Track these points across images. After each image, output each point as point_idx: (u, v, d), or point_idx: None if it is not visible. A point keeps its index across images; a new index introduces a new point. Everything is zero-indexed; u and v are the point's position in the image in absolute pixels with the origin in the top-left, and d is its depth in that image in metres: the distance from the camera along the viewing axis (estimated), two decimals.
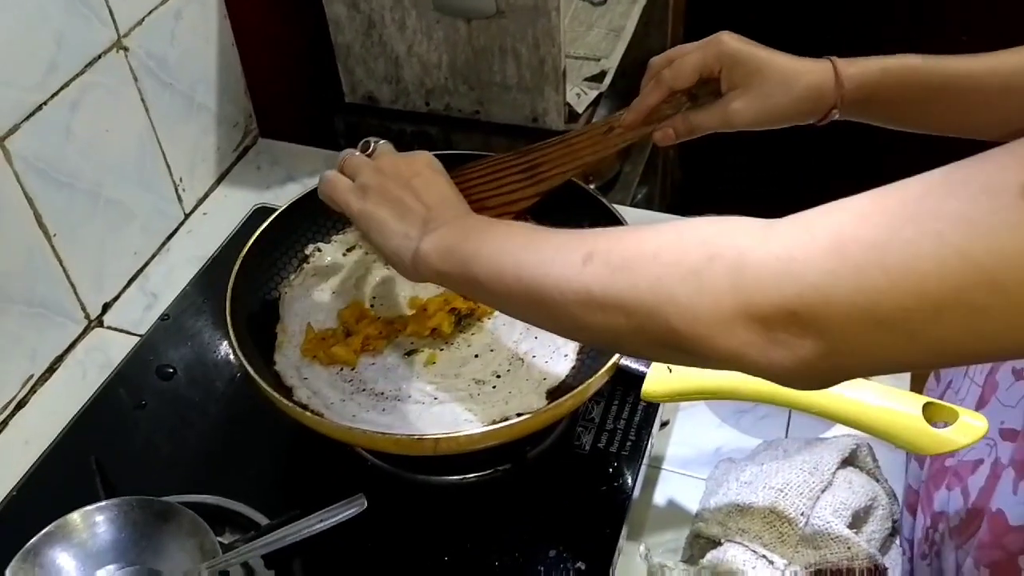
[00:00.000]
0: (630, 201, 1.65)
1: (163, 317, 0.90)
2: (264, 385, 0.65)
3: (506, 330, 0.77)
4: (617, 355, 0.66)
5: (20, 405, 0.87)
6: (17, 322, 0.84)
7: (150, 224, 1.01)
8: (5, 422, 0.86)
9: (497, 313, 0.78)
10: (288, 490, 0.74)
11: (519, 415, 0.67)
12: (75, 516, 0.61)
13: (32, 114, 0.82)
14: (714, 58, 0.70)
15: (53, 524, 0.61)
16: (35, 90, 0.82)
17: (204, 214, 1.07)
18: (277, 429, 0.74)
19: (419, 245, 0.60)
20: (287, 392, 0.71)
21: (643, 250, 0.48)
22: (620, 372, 0.67)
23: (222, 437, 0.79)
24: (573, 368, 0.73)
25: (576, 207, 0.79)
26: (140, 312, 0.96)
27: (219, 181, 1.11)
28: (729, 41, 0.71)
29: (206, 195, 1.09)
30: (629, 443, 0.74)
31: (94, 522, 0.62)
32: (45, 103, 0.83)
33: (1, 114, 0.78)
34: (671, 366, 0.67)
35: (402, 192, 0.64)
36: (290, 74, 1.24)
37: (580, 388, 0.64)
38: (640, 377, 0.68)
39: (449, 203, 0.64)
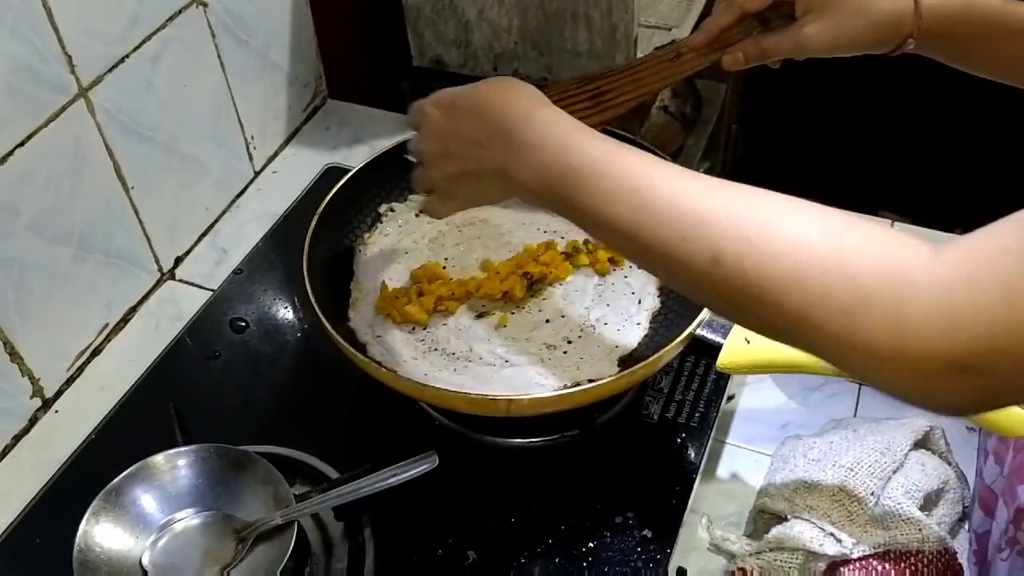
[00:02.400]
0: None
1: (236, 271, 0.92)
2: (340, 340, 0.66)
3: (578, 296, 0.77)
4: (692, 327, 0.66)
5: (95, 352, 0.89)
6: (95, 271, 0.86)
7: (222, 180, 1.02)
8: (82, 368, 0.88)
9: (569, 279, 0.78)
10: (356, 445, 0.75)
11: (591, 381, 0.67)
12: (158, 458, 0.63)
13: (115, 66, 0.83)
14: None
15: (136, 465, 0.62)
16: (118, 42, 0.83)
17: (273, 172, 1.08)
18: (346, 384, 0.75)
19: (511, 187, 0.56)
20: (361, 348, 0.72)
21: (782, 270, 0.44)
22: (694, 342, 0.67)
23: (292, 390, 0.80)
24: (645, 337, 0.73)
25: None
26: (210, 267, 0.97)
27: (288, 140, 1.12)
28: None
29: (275, 154, 1.10)
30: (698, 415, 0.74)
31: (175, 466, 0.63)
32: (127, 56, 0.84)
33: (86, 65, 0.80)
34: (749, 336, 0.66)
35: (466, 163, 0.59)
36: (359, 36, 1.23)
37: (653, 357, 0.64)
38: (716, 348, 0.67)
39: (508, 133, 0.56)
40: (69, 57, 0.78)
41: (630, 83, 0.74)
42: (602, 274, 0.79)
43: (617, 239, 0.51)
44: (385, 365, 0.69)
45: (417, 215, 0.84)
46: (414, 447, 0.66)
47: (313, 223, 0.74)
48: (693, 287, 0.49)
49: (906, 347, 0.41)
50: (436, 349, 0.73)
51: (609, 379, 0.64)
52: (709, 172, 1.81)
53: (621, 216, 0.50)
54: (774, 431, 0.79)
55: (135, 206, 0.89)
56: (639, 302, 0.76)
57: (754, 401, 0.82)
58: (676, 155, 1.64)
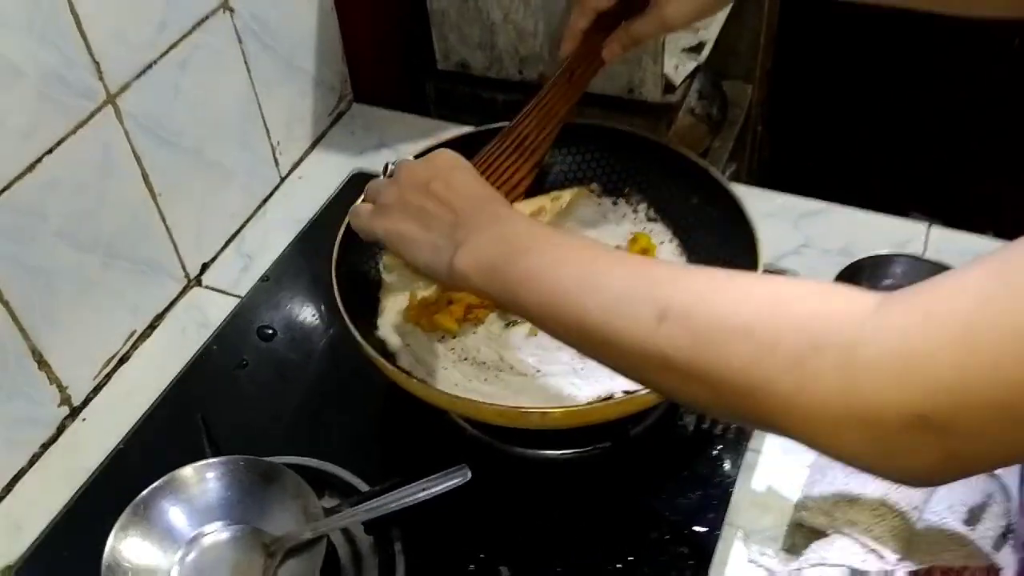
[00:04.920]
0: None
1: (263, 278, 0.91)
2: (370, 349, 0.65)
3: None
4: None
5: (123, 360, 0.88)
6: (122, 278, 0.86)
7: (248, 186, 1.01)
8: (109, 375, 0.87)
9: None
10: (386, 456, 0.74)
11: (625, 392, 0.65)
12: (187, 471, 0.62)
13: (143, 72, 0.82)
14: None
15: (164, 478, 0.62)
16: (146, 48, 0.82)
17: (299, 178, 1.07)
18: (376, 393, 0.74)
19: (453, 258, 0.55)
20: (391, 358, 0.71)
21: (731, 321, 0.42)
22: None
23: (321, 399, 0.79)
24: None
25: (684, 180, 0.77)
26: (236, 273, 0.96)
27: (314, 145, 1.11)
28: None
29: (301, 159, 1.09)
30: (734, 425, 0.72)
31: (203, 478, 0.62)
32: (155, 62, 0.83)
33: (114, 71, 0.79)
34: None
35: (423, 199, 0.59)
36: (385, 39, 1.22)
37: None
38: None
39: (477, 202, 0.58)
40: (97, 64, 0.77)
41: (542, 118, 0.77)
42: None
43: (555, 308, 0.49)
44: (415, 375, 0.68)
45: None
46: (444, 459, 0.65)
47: (341, 231, 0.73)
48: (634, 353, 0.46)
49: (860, 399, 0.38)
50: (467, 358, 0.72)
51: (645, 391, 0.63)
52: (735, 175, 1.81)
53: (566, 279, 0.49)
54: None
55: (162, 213, 0.89)
56: None
57: None
58: (703, 157, 1.63)
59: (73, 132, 0.77)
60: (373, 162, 1.07)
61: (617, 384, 0.69)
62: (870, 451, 0.39)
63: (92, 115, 0.78)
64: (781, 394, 0.40)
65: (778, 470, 0.76)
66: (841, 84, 1.97)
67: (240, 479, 0.63)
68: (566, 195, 0.81)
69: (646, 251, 0.78)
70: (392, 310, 0.76)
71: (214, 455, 0.66)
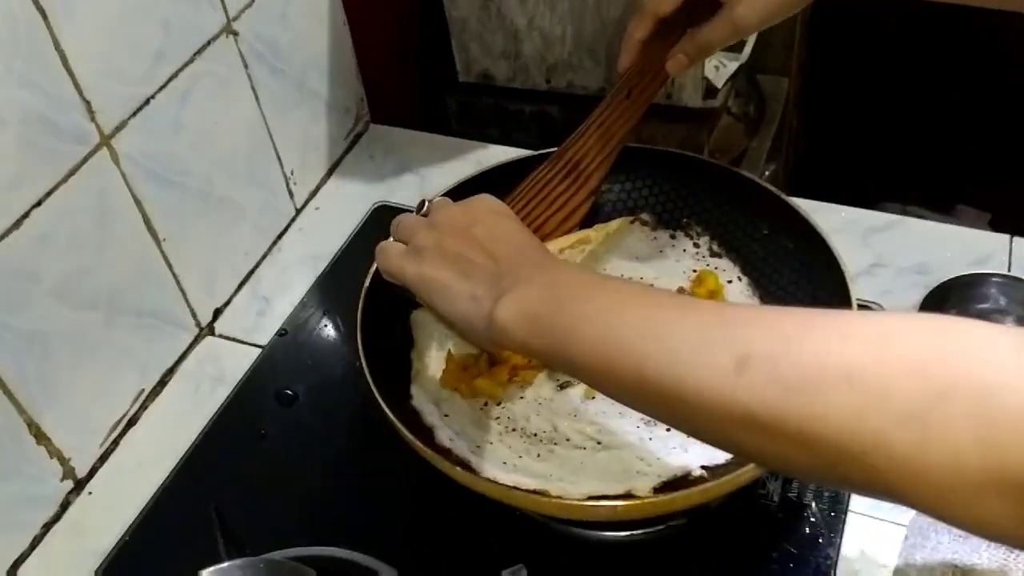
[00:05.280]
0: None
1: (280, 332, 0.83)
2: (405, 431, 0.56)
3: None
4: None
5: (131, 423, 0.81)
6: (126, 335, 0.78)
7: (260, 221, 0.94)
8: (116, 441, 0.80)
9: None
10: (427, 545, 0.65)
11: (704, 468, 0.56)
12: None
13: (140, 108, 0.75)
14: None
15: None
16: (143, 82, 0.75)
17: (316, 209, 1.00)
18: (413, 470, 0.64)
19: (493, 309, 0.48)
20: (427, 434, 0.62)
21: (828, 365, 0.35)
22: None
23: (350, 478, 0.70)
24: None
25: (750, 207, 0.68)
26: (252, 318, 0.89)
27: (330, 173, 1.04)
28: None
29: (317, 188, 1.02)
30: (826, 493, 0.63)
31: None
32: (154, 96, 0.76)
33: (108, 110, 0.72)
34: None
35: (462, 245, 0.53)
36: (402, 53, 1.15)
37: None
38: None
39: (522, 251, 0.52)
40: (88, 103, 0.70)
41: (598, 139, 0.70)
42: None
43: (612, 360, 0.42)
44: (457, 454, 0.60)
45: None
46: (494, 545, 0.56)
47: (365, 288, 0.65)
48: (709, 409, 0.38)
49: (1002, 457, 0.31)
50: (514, 429, 0.63)
51: (737, 472, 0.53)
52: (773, 177, 1.70)
53: (622, 326, 0.41)
54: None
55: (168, 259, 0.81)
56: None
57: None
58: (739, 160, 1.53)
59: (64, 180, 0.69)
60: (394, 190, 0.99)
61: (694, 455, 0.60)
62: (1016, 522, 0.32)
63: (85, 160, 0.71)
64: (897, 453, 0.33)
65: (869, 530, 0.67)
66: (881, 74, 1.86)
67: None
68: (613, 224, 0.72)
69: (714, 293, 0.68)
70: (427, 373, 0.67)
71: (229, 554, 0.58)
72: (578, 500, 0.54)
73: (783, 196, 0.68)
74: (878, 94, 1.86)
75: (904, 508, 0.65)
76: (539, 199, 0.68)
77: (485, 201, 0.57)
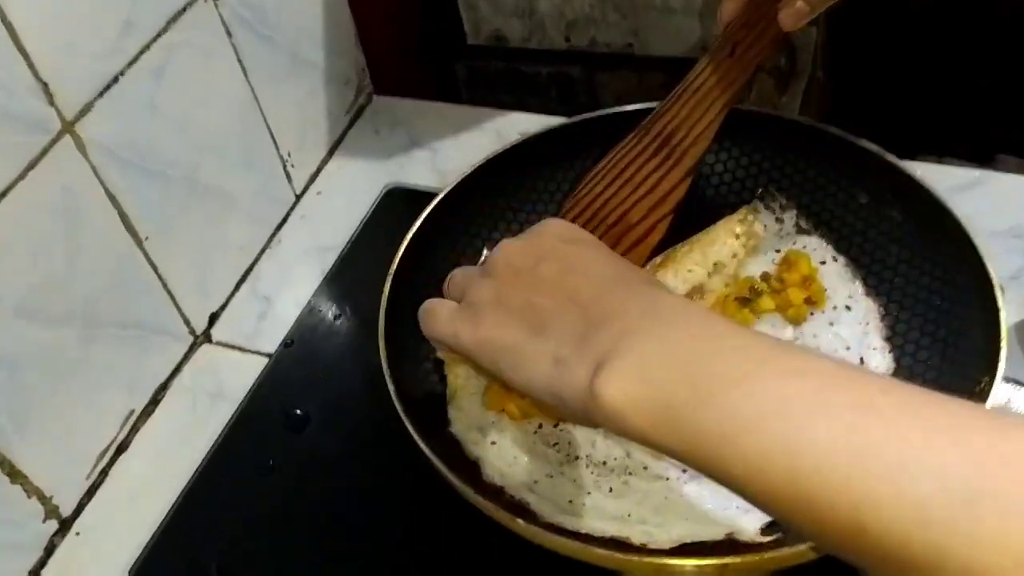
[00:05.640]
0: None
1: (286, 343, 0.72)
2: (448, 473, 0.45)
3: None
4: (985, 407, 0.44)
5: (120, 449, 0.72)
6: (110, 350, 0.68)
7: (256, 211, 0.83)
8: (105, 472, 0.71)
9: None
10: None
11: None
12: None
13: (107, 88, 0.64)
14: None
15: None
16: (108, 57, 0.64)
17: (318, 194, 0.89)
18: (454, 506, 0.53)
19: (593, 382, 0.36)
20: (472, 470, 0.51)
21: None
22: None
23: (377, 518, 0.59)
24: None
25: (843, 171, 0.56)
26: (253, 322, 0.78)
27: (332, 152, 0.93)
28: None
29: (318, 170, 0.91)
30: None
31: None
32: (122, 73, 0.65)
33: (69, 91, 0.61)
34: None
35: (530, 292, 0.41)
36: (405, 16, 1.05)
37: None
38: None
39: (612, 287, 0.40)
40: (45, 84, 0.59)
41: (698, 106, 0.57)
42: (796, 323, 0.57)
43: (812, 498, 0.30)
44: (509, 493, 0.49)
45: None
46: None
47: (387, 291, 0.54)
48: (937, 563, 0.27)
49: None
50: (578, 457, 0.52)
51: None
52: None
53: (825, 444, 0.29)
54: None
55: (152, 261, 0.71)
56: (860, 362, 0.54)
57: None
58: None
59: (21, 177, 0.59)
60: (405, 168, 0.88)
61: None
62: None
63: (45, 151, 0.60)
64: None
65: None
66: (904, 22, 1.74)
67: None
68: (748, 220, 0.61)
69: (808, 279, 0.57)
70: (464, 392, 0.56)
71: None
72: (668, 554, 0.43)
73: (887, 156, 0.57)
74: (914, 37, 1.74)
75: None
76: (620, 180, 0.57)
77: (550, 227, 0.45)
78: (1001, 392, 0.44)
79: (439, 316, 0.45)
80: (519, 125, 0.91)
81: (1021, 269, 0.64)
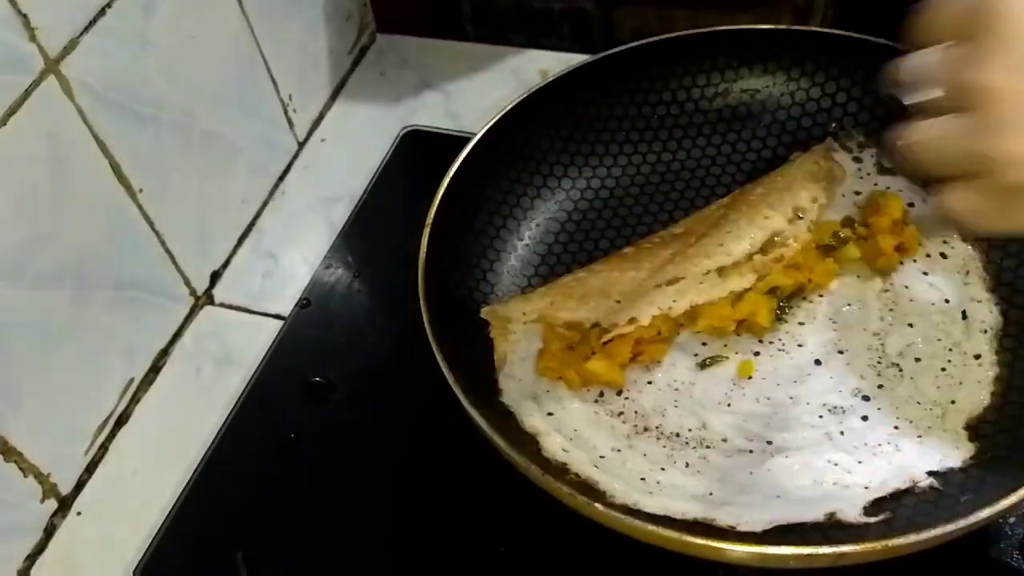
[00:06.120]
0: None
1: (302, 303, 0.66)
2: (508, 449, 0.40)
3: (858, 315, 0.50)
4: None
5: (121, 421, 0.66)
6: (103, 313, 0.63)
7: (257, 160, 0.77)
8: (104, 446, 0.65)
9: (834, 287, 0.51)
10: None
11: (932, 474, 0.40)
12: None
13: (93, 22, 0.58)
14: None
15: None
16: None
17: (321, 140, 0.82)
18: (505, 482, 0.47)
19: None
20: (532, 445, 0.45)
21: None
22: None
23: (416, 493, 0.53)
24: (998, 380, 0.46)
25: None
26: (259, 280, 0.73)
27: (336, 95, 0.87)
28: None
29: (321, 115, 0.85)
30: None
31: None
32: (109, 5, 0.59)
33: (52, 26, 0.54)
34: None
35: None
36: None
37: None
38: None
39: None
40: (25, 18, 0.53)
41: None
42: (886, 273, 0.52)
43: None
44: (574, 471, 0.43)
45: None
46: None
47: (425, 241, 0.47)
48: None
49: None
50: (647, 429, 0.47)
51: (1013, 498, 0.36)
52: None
53: None
54: None
55: (147, 214, 0.65)
56: (963, 316, 0.49)
57: None
58: (804, 13, 1.36)
59: (2, 123, 0.53)
60: (416, 112, 0.82)
61: (911, 455, 0.43)
62: None
63: (27, 93, 0.54)
64: None
65: None
66: None
67: None
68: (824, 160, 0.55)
69: (899, 223, 0.51)
70: (515, 356, 0.50)
71: None
72: (765, 540, 0.37)
73: None
74: None
75: None
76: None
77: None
78: None
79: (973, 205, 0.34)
80: (537, 63, 0.85)
81: None
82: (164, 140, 0.66)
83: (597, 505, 0.39)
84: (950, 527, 0.35)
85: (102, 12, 0.58)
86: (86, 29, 0.57)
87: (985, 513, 0.36)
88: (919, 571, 0.46)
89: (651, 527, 0.39)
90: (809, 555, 0.36)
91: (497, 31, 1.00)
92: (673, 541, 0.38)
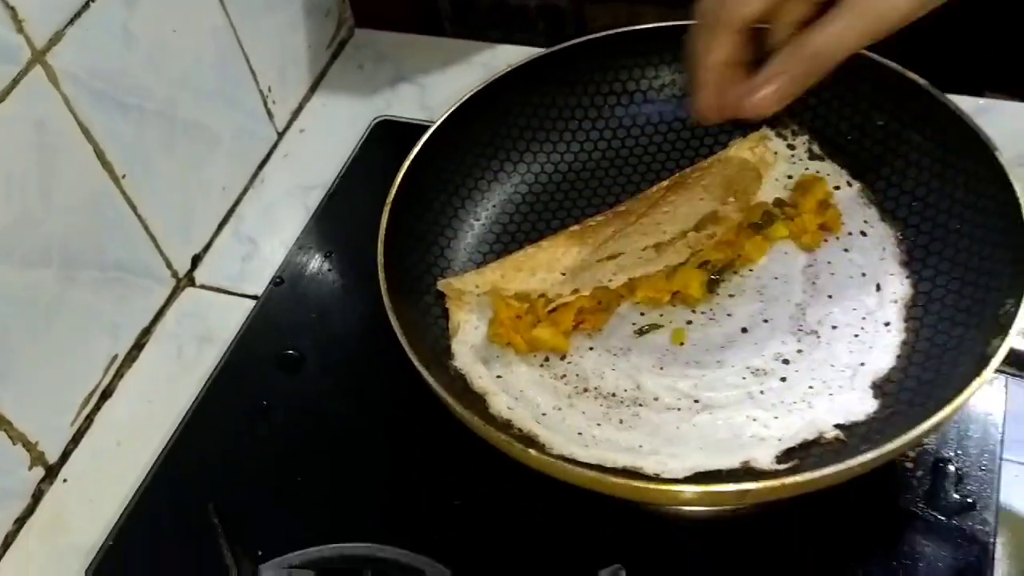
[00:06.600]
0: None
1: (276, 281, 0.69)
2: (455, 404, 0.44)
3: (782, 287, 0.54)
4: (1008, 336, 0.42)
5: (106, 395, 0.69)
6: (89, 293, 0.66)
7: (238, 150, 0.80)
8: (90, 418, 0.68)
9: (764, 263, 0.55)
10: (485, 537, 0.52)
11: (839, 427, 0.44)
12: None
13: (78, 14, 0.61)
14: None
15: None
16: None
17: (300, 131, 0.85)
18: (458, 441, 0.51)
19: None
20: (479, 403, 0.49)
21: None
22: (1016, 361, 0.43)
23: (379, 455, 0.57)
24: (904, 344, 0.50)
25: (859, 91, 0.55)
26: (238, 264, 0.76)
27: (314, 88, 0.89)
28: None
29: (300, 107, 0.88)
30: (972, 438, 0.51)
31: None
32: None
33: (39, 18, 0.57)
34: None
35: None
36: None
37: (959, 400, 0.41)
38: None
39: None
40: (13, 10, 0.56)
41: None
42: (810, 249, 0.56)
43: None
44: (518, 426, 0.47)
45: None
46: (566, 530, 0.44)
47: (385, 219, 0.51)
48: None
49: None
50: (587, 390, 0.50)
51: (903, 438, 0.40)
52: None
53: None
54: None
55: (130, 199, 0.68)
56: (877, 288, 0.53)
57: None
58: None
59: None
60: (392, 104, 0.85)
61: (823, 411, 0.47)
62: None
63: (15, 82, 0.57)
64: None
65: (1017, 478, 0.54)
66: None
67: None
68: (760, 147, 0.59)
69: (824, 204, 0.55)
70: (469, 325, 0.54)
71: (237, 563, 0.46)
72: (683, 482, 0.42)
73: (908, 74, 0.54)
74: None
75: None
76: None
77: None
78: None
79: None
80: (508, 58, 0.87)
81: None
82: (147, 129, 0.68)
83: (531, 451, 0.42)
84: (841, 466, 0.39)
85: (86, 6, 0.61)
86: (71, 21, 0.60)
87: (870, 456, 0.39)
88: (834, 522, 0.50)
89: (583, 471, 0.42)
90: (716, 492, 0.40)
91: (475, 28, 1.03)
92: (602, 484, 0.42)
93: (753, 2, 0.45)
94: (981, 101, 0.77)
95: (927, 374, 0.47)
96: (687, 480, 0.43)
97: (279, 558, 0.49)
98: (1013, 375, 0.44)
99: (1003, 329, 0.42)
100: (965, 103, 0.76)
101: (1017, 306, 0.43)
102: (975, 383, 0.41)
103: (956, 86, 0.82)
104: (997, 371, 0.42)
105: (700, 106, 0.49)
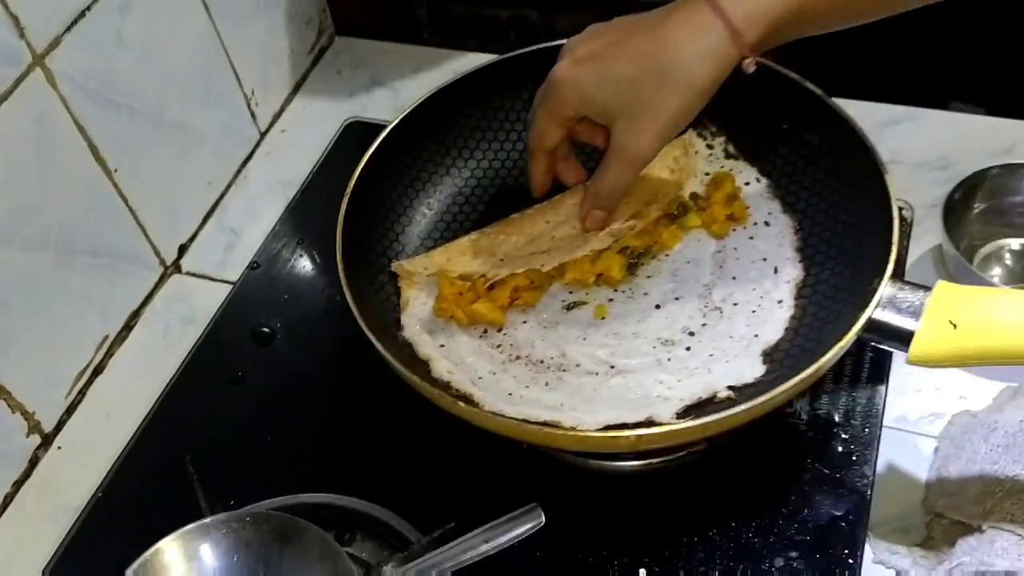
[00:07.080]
0: None
1: (252, 265, 0.76)
2: (400, 367, 0.50)
3: (693, 270, 0.60)
4: (869, 309, 0.49)
5: (97, 371, 0.75)
6: (83, 277, 0.72)
7: (222, 147, 0.86)
8: (83, 392, 0.74)
9: (678, 248, 0.62)
10: (429, 485, 0.60)
11: (731, 389, 0.51)
12: (173, 544, 0.48)
13: (75, 22, 0.67)
14: (567, 108, 0.57)
15: (145, 556, 0.47)
16: None
17: (282, 131, 0.92)
18: (407, 403, 0.58)
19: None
20: (423, 367, 0.56)
21: None
22: (871, 329, 0.50)
23: (339, 417, 0.65)
24: (793, 319, 0.57)
25: (765, 99, 0.61)
26: (221, 253, 0.82)
27: (295, 91, 0.95)
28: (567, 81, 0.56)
29: (282, 109, 0.94)
30: (859, 407, 0.58)
31: (196, 551, 0.48)
32: (89, 7, 0.67)
33: (39, 25, 0.63)
34: (955, 319, 0.49)
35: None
36: None
37: (824, 359, 0.47)
38: (903, 335, 0.50)
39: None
40: (16, 18, 0.62)
41: None
42: (719, 237, 0.62)
43: None
44: (456, 387, 0.54)
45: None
46: (501, 483, 0.51)
47: (344, 207, 0.58)
48: None
49: None
50: (519, 357, 0.57)
51: (772, 393, 0.47)
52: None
53: None
54: (934, 404, 0.63)
55: (121, 192, 0.74)
56: (775, 271, 0.59)
57: (902, 366, 0.65)
58: None
59: None
60: (367, 106, 0.91)
61: (719, 376, 0.54)
62: None
63: (17, 84, 0.63)
64: None
65: (898, 444, 0.61)
66: None
67: (246, 540, 0.50)
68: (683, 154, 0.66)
69: (732, 197, 0.62)
70: (417, 302, 0.61)
71: (211, 507, 0.52)
72: (594, 431, 0.48)
73: (807, 84, 0.61)
74: None
75: (932, 416, 0.61)
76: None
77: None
78: (887, 291, 0.50)
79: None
80: (478, 64, 0.94)
81: (940, 197, 0.69)
82: (138, 127, 0.74)
83: (462, 405, 0.49)
84: (724, 414, 0.46)
85: (83, 14, 0.67)
86: (68, 28, 0.66)
87: (744, 406, 0.46)
88: (739, 475, 0.57)
89: (509, 422, 0.49)
90: (615, 437, 0.47)
91: (451, 37, 1.08)
92: (524, 432, 0.49)
93: (549, 137, 0.59)
94: (905, 109, 0.83)
95: (809, 343, 0.53)
96: (596, 432, 0.50)
97: (250, 505, 0.55)
98: (876, 343, 0.50)
99: (866, 303, 0.49)
100: (890, 110, 0.82)
101: (880, 282, 0.50)
102: (836, 347, 0.47)
103: (923, 98, 0.88)
104: (861, 338, 0.49)
105: (534, 183, 0.62)
